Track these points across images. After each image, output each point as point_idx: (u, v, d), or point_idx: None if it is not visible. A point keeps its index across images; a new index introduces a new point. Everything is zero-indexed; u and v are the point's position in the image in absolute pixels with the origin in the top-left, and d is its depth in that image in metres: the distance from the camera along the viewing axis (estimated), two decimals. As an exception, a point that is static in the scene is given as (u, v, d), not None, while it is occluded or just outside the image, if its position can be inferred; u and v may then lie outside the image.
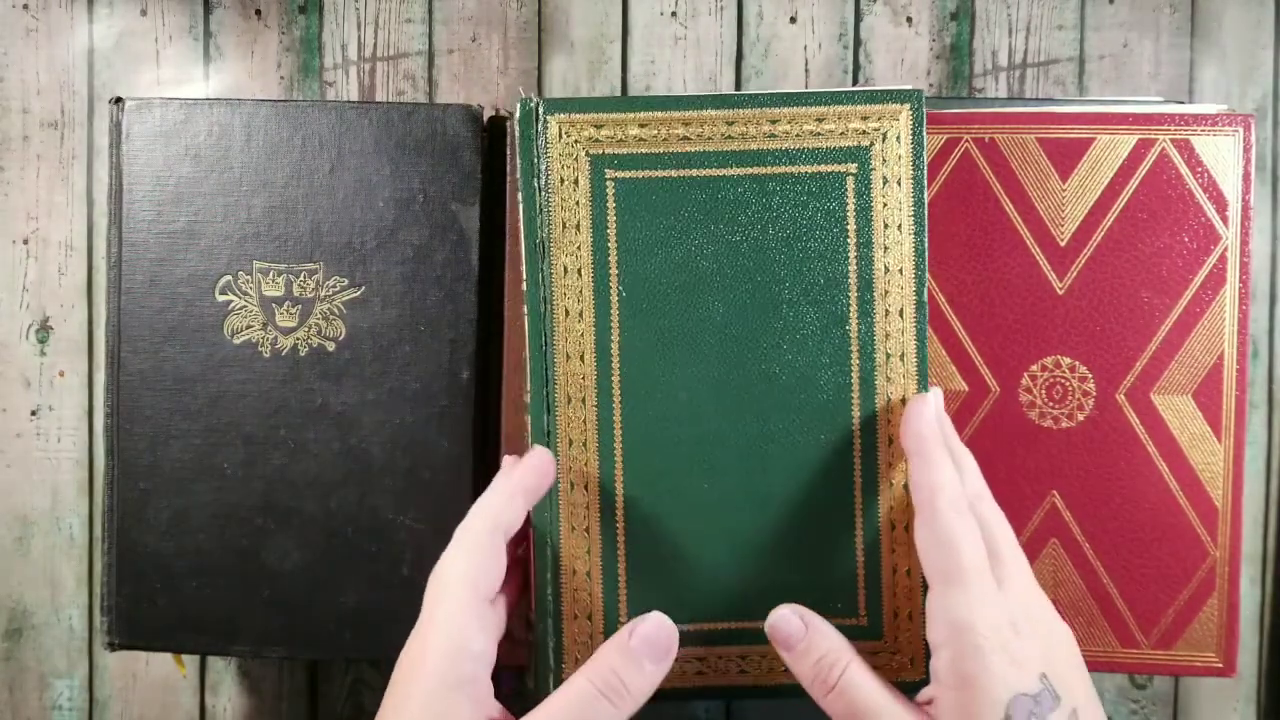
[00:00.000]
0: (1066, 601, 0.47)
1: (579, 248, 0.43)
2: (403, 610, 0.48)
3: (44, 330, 0.58)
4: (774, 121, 0.43)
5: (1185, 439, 0.47)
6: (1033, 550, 0.47)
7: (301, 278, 0.48)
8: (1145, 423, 0.47)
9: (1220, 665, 0.47)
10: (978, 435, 0.47)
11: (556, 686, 0.40)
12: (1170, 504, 0.47)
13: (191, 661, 0.58)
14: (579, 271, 0.43)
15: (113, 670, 0.58)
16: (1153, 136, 0.47)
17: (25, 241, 0.58)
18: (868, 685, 0.38)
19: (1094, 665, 0.47)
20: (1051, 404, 0.47)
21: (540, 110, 0.43)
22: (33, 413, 0.58)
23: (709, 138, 0.43)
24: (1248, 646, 0.57)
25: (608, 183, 0.43)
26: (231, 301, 0.48)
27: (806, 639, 0.40)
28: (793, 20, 0.57)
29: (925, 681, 0.43)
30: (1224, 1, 0.57)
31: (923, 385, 0.43)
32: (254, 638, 0.48)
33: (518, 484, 0.41)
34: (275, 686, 0.58)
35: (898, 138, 0.43)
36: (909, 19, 0.57)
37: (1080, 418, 0.47)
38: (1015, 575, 0.38)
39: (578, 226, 0.43)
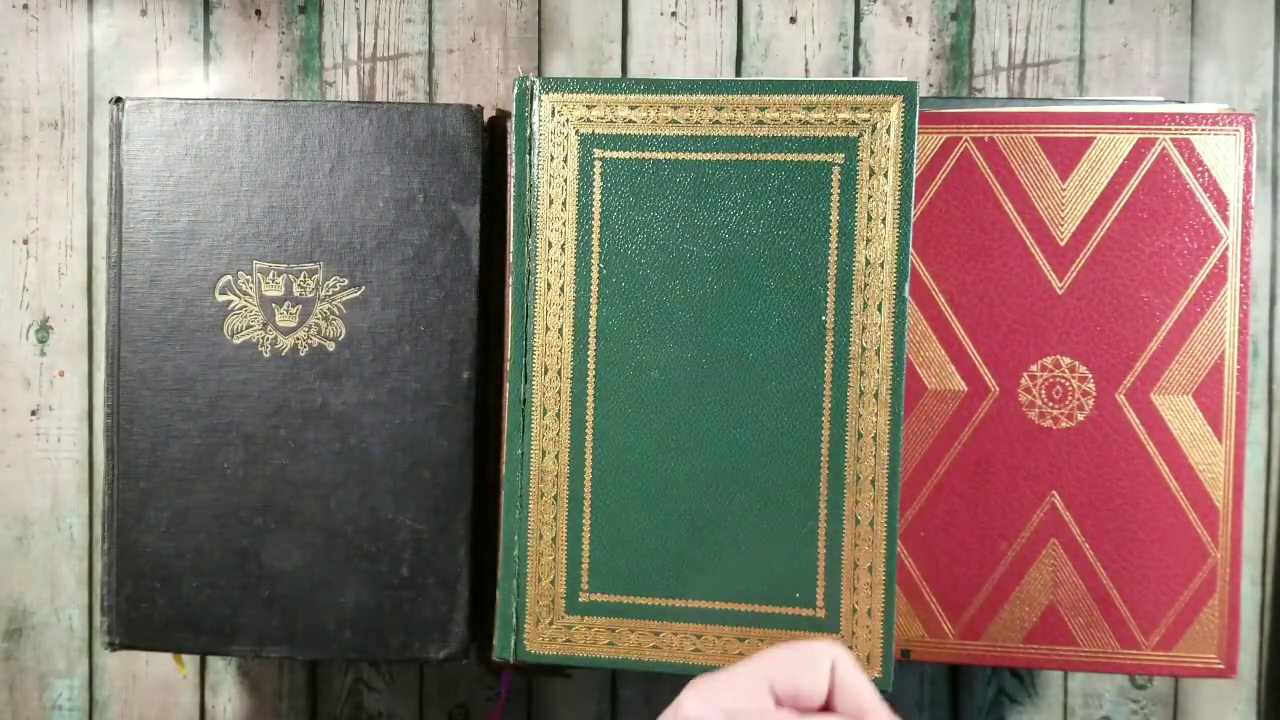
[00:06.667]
0: (1067, 602, 0.47)
1: (564, 224, 0.44)
2: (403, 610, 0.48)
3: (44, 330, 0.58)
4: (763, 109, 0.44)
5: (1185, 439, 0.47)
6: (1033, 550, 0.47)
7: (301, 278, 0.48)
8: (1145, 423, 0.47)
9: (1221, 666, 0.47)
10: (977, 435, 0.47)
11: (519, 647, 0.44)
12: (1170, 504, 0.47)
13: (191, 661, 0.58)
14: (562, 247, 0.45)
15: (113, 670, 0.58)
16: (1153, 136, 0.47)
17: (25, 241, 0.58)
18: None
19: (1094, 666, 0.47)
20: (1051, 404, 0.47)
21: (535, 89, 0.44)
22: (33, 413, 0.58)
23: (697, 122, 0.44)
24: (1248, 647, 0.57)
25: (595, 162, 0.44)
26: (231, 301, 0.48)
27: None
28: (793, 20, 0.57)
29: (880, 682, 0.43)
30: (1224, 1, 0.57)
31: (899, 380, 0.43)
32: (254, 638, 0.48)
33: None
34: (275, 686, 0.58)
35: (888, 130, 0.43)
36: (909, 19, 0.57)
37: (1080, 418, 0.47)
38: None
39: (564, 203, 0.44)
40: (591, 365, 0.44)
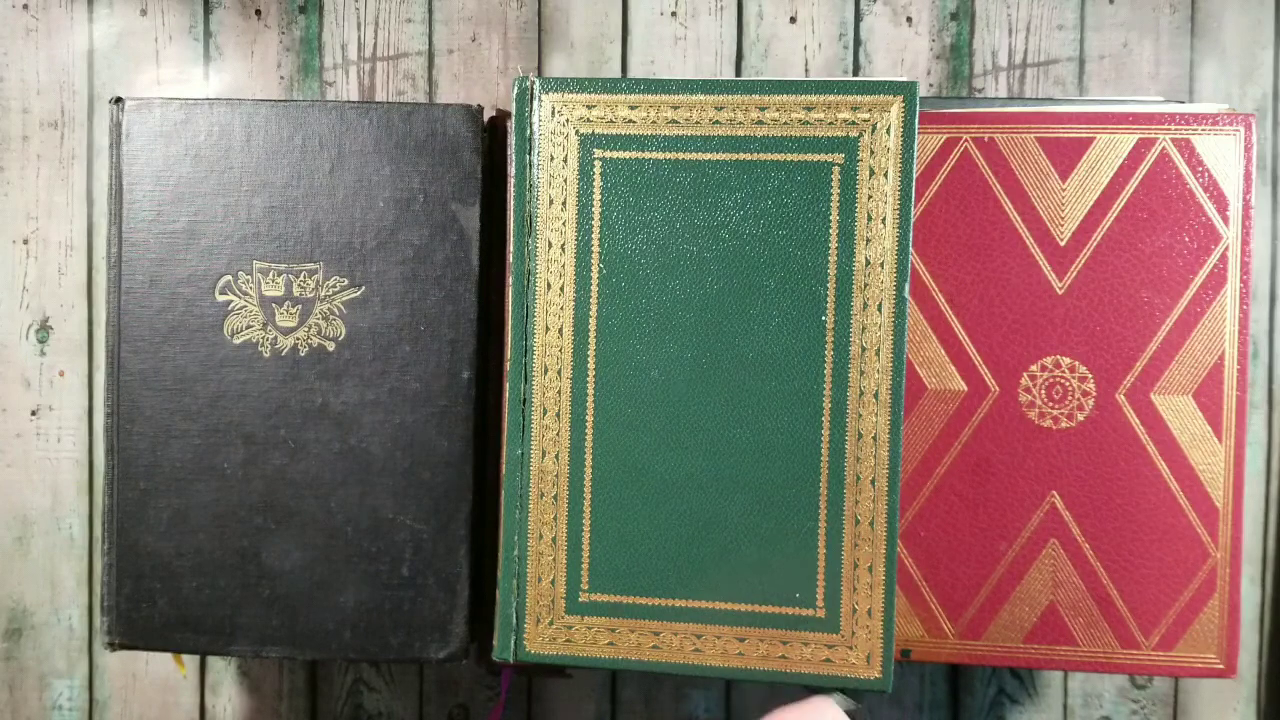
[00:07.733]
0: (1067, 602, 0.47)
1: (564, 224, 0.44)
2: (403, 610, 0.48)
3: (44, 330, 0.58)
4: (763, 109, 0.44)
5: (1185, 439, 0.47)
6: (1032, 550, 0.47)
7: (301, 278, 0.48)
8: (1145, 423, 0.47)
9: (1221, 667, 0.47)
10: (977, 435, 0.47)
11: (518, 647, 0.44)
12: (1170, 504, 0.47)
13: (191, 661, 0.58)
14: (562, 247, 0.45)
15: (113, 670, 0.58)
16: (1153, 136, 0.47)
17: (25, 241, 0.58)
18: None
19: (1094, 666, 0.47)
20: (1051, 404, 0.47)
21: (535, 89, 0.44)
22: (33, 413, 0.58)
23: (697, 122, 0.44)
24: (1248, 647, 0.57)
25: (595, 162, 0.44)
26: (231, 301, 0.48)
27: None
28: (793, 20, 0.57)
29: (880, 682, 0.43)
30: (1224, 1, 0.57)
31: (899, 380, 0.43)
32: (254, 638, 0.48)
33: None
34: (275, 686, 0.58)
35: (888, 130, 0.43)
36: (909, 19, 0.57)
37: (1080, 418, 0.47)
38: None
39: (564, 203, 0.44)
40: (591, 365, 0.44)
